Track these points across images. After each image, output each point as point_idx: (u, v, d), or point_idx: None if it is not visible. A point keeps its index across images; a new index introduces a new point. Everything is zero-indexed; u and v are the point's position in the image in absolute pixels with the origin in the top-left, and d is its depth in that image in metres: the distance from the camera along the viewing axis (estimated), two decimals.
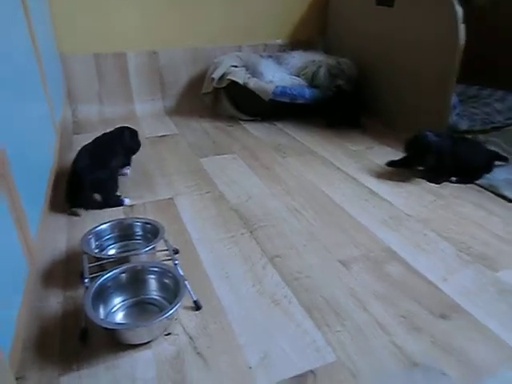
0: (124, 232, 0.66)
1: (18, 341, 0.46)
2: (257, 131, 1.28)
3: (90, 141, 0.90)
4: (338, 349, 0.50)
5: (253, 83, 1.29)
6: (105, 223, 0.66)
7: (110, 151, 0.86)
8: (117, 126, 0.97)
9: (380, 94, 1.34)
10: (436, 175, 0.96)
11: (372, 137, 1.23)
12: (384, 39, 1.30)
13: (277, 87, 1.26)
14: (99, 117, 1.36)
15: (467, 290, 0.61)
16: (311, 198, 0.88)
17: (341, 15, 1.53)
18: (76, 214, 0.78)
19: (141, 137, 1.00)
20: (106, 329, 0.48)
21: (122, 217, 0.77)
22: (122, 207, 0.82)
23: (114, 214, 0.79)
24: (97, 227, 0.64)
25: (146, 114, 1.40)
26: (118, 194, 0.84)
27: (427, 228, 0.78)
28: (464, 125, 1.26)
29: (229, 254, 0.69)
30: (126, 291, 0.55)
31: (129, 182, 0.93)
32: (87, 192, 0.79)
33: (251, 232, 0.75)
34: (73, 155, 0.85)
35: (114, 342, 0.50)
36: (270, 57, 1.49)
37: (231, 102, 1.36)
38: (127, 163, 0.95)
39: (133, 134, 0.95)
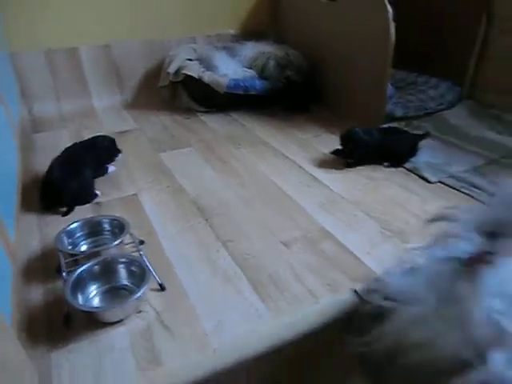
0: (93, 229, 0.75)
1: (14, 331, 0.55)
2: (213, 123, 1.37)
3: (61, 152, 0.95)
4: (276, 313, 0.63)
5: (207, 77, 1.36)
6: (75, 222, 0.74)
7: (83, 161, 0.92)
8: (92, 136, 1.02)
9: (328, 84, 1.46)
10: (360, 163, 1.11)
11: (320, 125, 1.36)
12: (330, 31, 1.40)
13: (230, 80, 1.35)
14: (57, 114, 1.39)
15: (384, 261, 0.75)
16: (261, 187, 1.00)
17: (292, 6, 1.61)
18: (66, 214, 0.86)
19: (100, 133, 1.06)
20: (86, 312, 0.58)
21: (91, 215, 0.86)
22: (89, 205, 0.90)
23: (83, 213, 0.88)
24: (68, 226, 0.73)
25: (104, 109, 1.45)
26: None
27: (357, 209, 0.91)
28: (399, 112, 1.40)
29: (187, 241, 0.80)
30: (100, 280, 0.65)
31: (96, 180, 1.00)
32: (65, 203, 0.86)
33: (207, 220, 0.86)
34: (35, 155, 0.91)
35: (93, 323, 0.60)
36: (224, 48, 1.55)
37: (188, 95, 1.44)
38: (102, 173, 1.00)
39: (110, 142, 1.01)
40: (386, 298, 0.35)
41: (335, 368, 0.60)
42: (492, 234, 0.31)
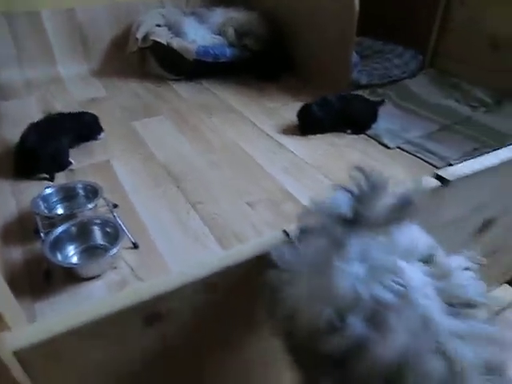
0: (68, 194, 0.79)
1: None
2: (184, 91, 1.39)
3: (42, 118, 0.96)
4: None
5: (176, 43, 1.37)
6: (49, 187, 0.78)
7: (61, 128, 0.94)
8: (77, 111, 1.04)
9: (297, 52, 1.49)
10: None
11: (289, 94, 1.40)
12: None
13: (199, 47, 1.36)
14: (22, 81, 1.37)
15: None
16: (231, 153, 1.05)
17: None
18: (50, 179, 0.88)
19: (70, 101, 1.07)
20: (66, 268, 0.64)
21: (64, 181, 0.89)
22: (63, 172, 0.93)
23: (56, 179, 0.91)
24: (43, 192, 0.77)
25: (71, 77, 1.43)
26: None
27: (319, 173, 0.98)
28: (364, 80, 1.45)
29: (159, 204, 0.85)
30: (77, 241, 0.70)
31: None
32: (42, 167, 0.88)
33: (178, 185, 0.91)
34: (3, 124, 0.93)
35: (73, 278, 0.66)
36: (193, 14, 1.54)
37: (157, 62, 1.44)
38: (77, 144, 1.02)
39: (93, 118, 1.03)
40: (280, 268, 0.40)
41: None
42: (357, 209, 0.36)
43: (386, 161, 1.05)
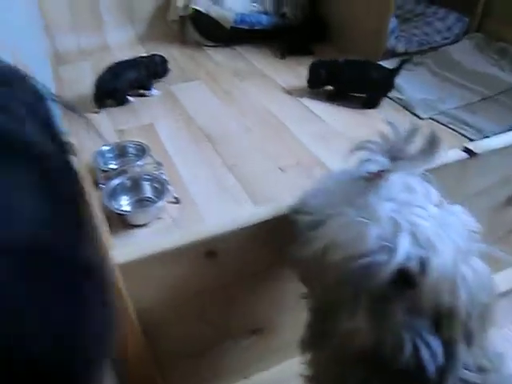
0: (120, 151, 0.89)
1: None
2: (220, 57, 1.44)
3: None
4: None
5: (214, 11, 1.40)
6: (106, 145, 0.88)
7: (129, 67, 1.11)
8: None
9: (334, 19, 1.48)
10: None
11: None
12: None
13: (236, 15, 1.39)
14: (77, 48, 1.47)
15: None
16: (263, 118, 1.11)
17: None
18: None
19: None
20: (119, 214, 0.74)
21: (117, 139, 0.99)
22: (115, 131, 1.03)
23: (110, 138, 1.00)
24: (101, 148, 0.87)
25: (118, 44, 1.51)
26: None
27: (348, 141, 1.02)
28: (401, 47, 1.40)
29: (198, 163, 0.93)
30: (130, 192, 0.80)
31: (117, 111, 1.12)
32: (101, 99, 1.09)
33: (215, 147, 0.99)
34: (63, 87, 1.03)
35: (125, 225, 0.76)
36: None
37: (196, 29, 1.49)
38: (148, 84, 1.18)
39: (162, 60, 1.19)
40: (310, 214, 0.46)
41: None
42: (392, 157, 0.43)
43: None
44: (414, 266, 0.37)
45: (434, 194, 0.43)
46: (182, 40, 1.52)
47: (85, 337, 0.18)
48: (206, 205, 0.82)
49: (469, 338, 0.39)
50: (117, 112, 1.12)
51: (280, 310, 0.61)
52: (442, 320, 0.38)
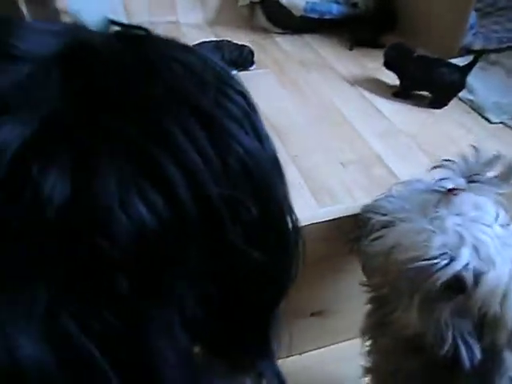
0: None
1: None
2: (287, 46, 1.44)
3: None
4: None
5: None
6: None
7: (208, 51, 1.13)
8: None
9: (405, 12, 1.43)
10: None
11: None
12: None
13: (307, 3, 1.38)
14: (148, 23, 1.53)
15: None
16: (326, 111, 1.11)
17: None
18: None
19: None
20: None
21: None
22: None
23: None
24: None
25: (188, 26, 1.56)
26: None
27: (412, 141, 1.02)
28: (478, 44, 1.33)
29: None
30: None
31: None
32: None
33: (278, 136, 1.01)
34: None
35: None
36: None
37: (265, 15, 1.49)
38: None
39: (250, 53, 1.22)
40: (383, 215, 0.50)
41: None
42: (468, 178, 0.45)
43: (483, 135, 1.04)
44: (469, 275, 0.41)
45: (503, 215, 0.46)
46: (251, 26, 1.54)
47: None
48: None
49: None
50: None
51: (338, 297, 0.65)
52: (486, 326, 0.42)
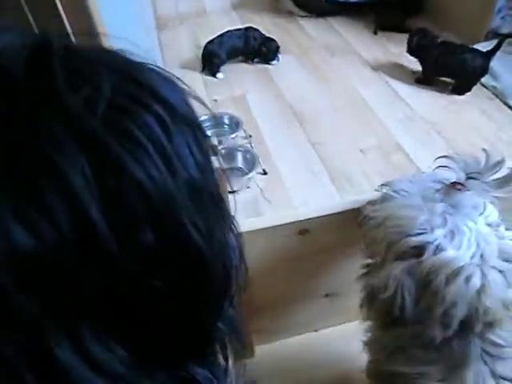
0: (216, 122, 1.00)
1: None
2: (312, 30, 1.45)
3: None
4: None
5: None
6: (204, 115, 0.99)
7: (235, 38, 1.21)
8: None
9: None
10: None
11: None
12: None
13: None
14: (175, 13, 1.57)
15: None
16: (349, 97, 1.14)
17: None
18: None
19: (212, 33, 1.24)
20: None
21: (211, 108, 1.09)
22: (209, 101, 1.13)
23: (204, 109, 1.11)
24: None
25: (214, 9, 1.58)
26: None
27: (432, 128, 1.04)
28: (506, 28, 1.32)
29: (285, 138, 1.01)
30: (224, 162, 0.91)
31: (209, 80, 1.21)
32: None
33: (300, 123, 1.06)
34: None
35: None
36: None
37: None
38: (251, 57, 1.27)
39: (273, 45, 1.24)
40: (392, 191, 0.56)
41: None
42: (471, 177, 0.50)
43: (505, 122, 1.04)
44: (432, 247, 0.48)
45: (494, 216, 0.50)
46: (276, 9, 1.55)
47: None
48: (290, 178, 0.90)
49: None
50: (210, 81, 1.22)
51: (349, 280, 0.70)
52: (426, 293, 0.48)
